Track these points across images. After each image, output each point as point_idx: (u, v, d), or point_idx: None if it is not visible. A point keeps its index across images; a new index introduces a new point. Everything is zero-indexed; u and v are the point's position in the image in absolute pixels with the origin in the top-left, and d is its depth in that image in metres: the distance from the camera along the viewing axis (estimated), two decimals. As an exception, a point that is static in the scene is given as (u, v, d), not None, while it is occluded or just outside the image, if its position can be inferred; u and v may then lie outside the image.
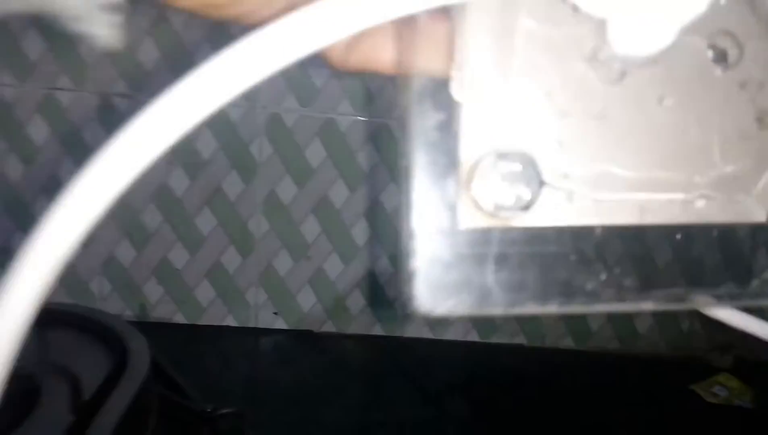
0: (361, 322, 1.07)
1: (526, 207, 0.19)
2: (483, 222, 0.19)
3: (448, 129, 0.19)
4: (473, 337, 1.08)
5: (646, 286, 0.21)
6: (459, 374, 1.00)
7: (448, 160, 0.19)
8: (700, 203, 0.21)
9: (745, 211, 0.22)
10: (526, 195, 0.19)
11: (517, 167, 0.19)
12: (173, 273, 1.03)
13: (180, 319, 1.05)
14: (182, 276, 1.03)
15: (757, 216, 0.22)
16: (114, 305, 1.03)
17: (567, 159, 0.19)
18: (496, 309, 0.19)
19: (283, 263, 1.04)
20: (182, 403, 0.83)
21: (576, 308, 0.20)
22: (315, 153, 0.99)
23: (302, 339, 1.06)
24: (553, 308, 0.20)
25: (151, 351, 0.81)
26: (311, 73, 0.95)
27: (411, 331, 1.07)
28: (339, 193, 1.01)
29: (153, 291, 1.03)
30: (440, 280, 0.19)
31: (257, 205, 1.01)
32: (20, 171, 0.97)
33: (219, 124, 0.95)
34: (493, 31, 0.18)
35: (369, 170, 1.00)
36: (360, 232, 1.03)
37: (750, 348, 0.91)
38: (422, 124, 0.18)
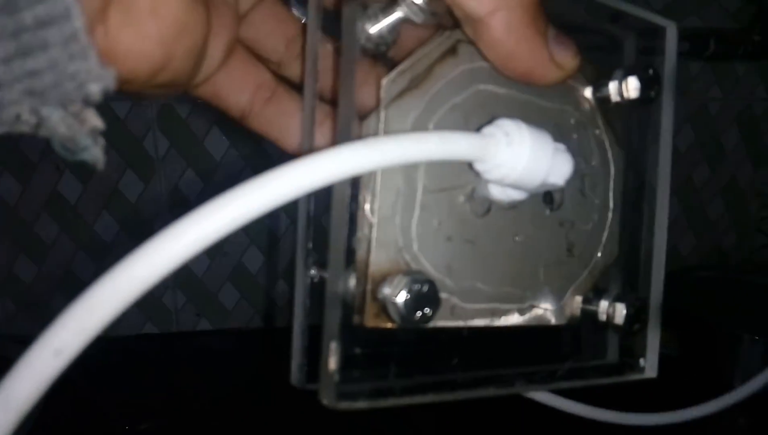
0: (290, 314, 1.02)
1: (426, 322, 0.23)
2: (385, 324, 0.23)
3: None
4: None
5: (492, 376, 0.26)
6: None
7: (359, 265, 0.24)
8: (529, 311, 0.27)
9: (557, 317, 0.28)
10: (428, 313, 0.23)
11: (423, 288, 0.23)
12: (77, 284, 0.95)
13: (94, 331, 0.98)
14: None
15: (560, 320, 0.28)
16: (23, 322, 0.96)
17: (452, 279, 0.25)
18: (393, 400, 0.23)
19: (199, 263, 0.97)
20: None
21: (445, 396, 0.24)
22: (216, 144, 0.91)
23: (229, 338, 1.01)
24: (426, 398, 0.24)
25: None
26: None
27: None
28: (249, 183, 0.94)
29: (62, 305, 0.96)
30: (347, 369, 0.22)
31: (161, 204, 0.93)
32: None
33: (105, 122, 0.86)
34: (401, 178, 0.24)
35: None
36: (278, 222, 0.97)
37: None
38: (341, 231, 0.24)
